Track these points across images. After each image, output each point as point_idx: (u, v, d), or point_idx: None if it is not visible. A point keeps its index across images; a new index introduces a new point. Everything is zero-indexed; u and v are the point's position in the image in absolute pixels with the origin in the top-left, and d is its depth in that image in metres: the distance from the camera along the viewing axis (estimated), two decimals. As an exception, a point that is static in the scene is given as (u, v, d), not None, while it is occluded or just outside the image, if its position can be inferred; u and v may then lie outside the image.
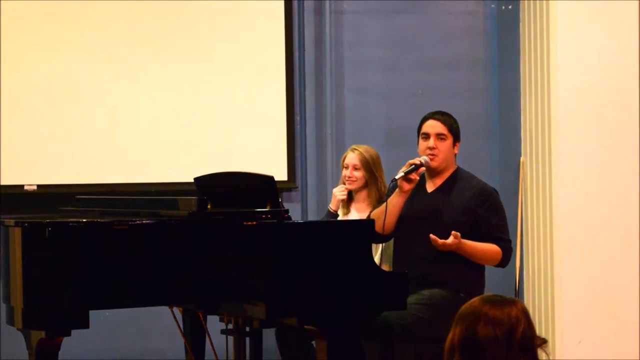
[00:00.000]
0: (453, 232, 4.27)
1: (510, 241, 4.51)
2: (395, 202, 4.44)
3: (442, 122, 4.52)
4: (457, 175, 4.55)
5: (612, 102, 5.60)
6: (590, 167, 5.58)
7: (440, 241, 4.27)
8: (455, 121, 4.57)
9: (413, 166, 4.39)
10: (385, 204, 4.44)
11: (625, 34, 5.61)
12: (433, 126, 4.51)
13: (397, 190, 4.45)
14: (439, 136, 4.50)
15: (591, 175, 5.57)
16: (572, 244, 5.55)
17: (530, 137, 5.85)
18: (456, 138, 4.54)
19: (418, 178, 4.43)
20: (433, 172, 4.54)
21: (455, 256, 4.35)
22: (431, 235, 4.29)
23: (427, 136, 4.51)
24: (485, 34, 6.12)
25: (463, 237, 4.34)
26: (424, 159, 4.44)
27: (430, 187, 4.56)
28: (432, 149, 4.47)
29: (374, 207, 4.75)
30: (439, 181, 4.54)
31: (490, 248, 4.42)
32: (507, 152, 6.05)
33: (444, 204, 4.47)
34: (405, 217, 4.47)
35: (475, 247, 4.37)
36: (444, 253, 4.33)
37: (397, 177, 4.39)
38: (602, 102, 5.60)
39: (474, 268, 4.45)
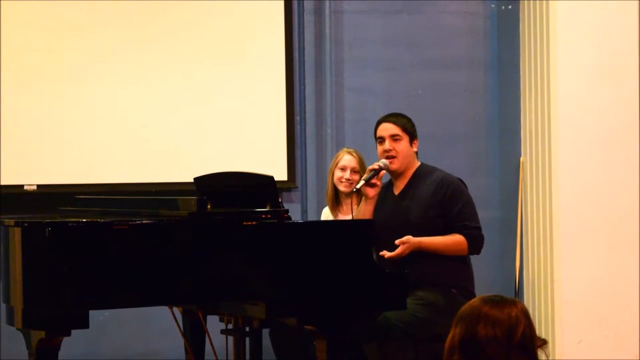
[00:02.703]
0: (397, 241, 4.29)
1: (477, 227, 4.47)
2: (363, 210, 4.49)
3: (394, 123, 4.54)
4: (419, 172, 4.56)
5: (612, 102, 5.60)
6: (590, 167, 5.57)
7: (387, 255, 4.29)
8: (408, 120, 4.59)
9: (372, 172, 4.44)
10: (357, 210, 4.49)
11: (625, 34, 5.61)
12: (386, 129, 4.55)
13: (363, 198, 4.50)
14: (393, 137, 4.52)
15: (591, 175, 5.57)
16: (572, 244, 5.55)
17: (530, 137, 5.84)
18: (412, 137, 4.56)
19: (380, 183, 4.47)
20: (396, 175, 4.57)
21: (429, 254, 4.36)
22: (381, 253, 4.30)
23: (382, 140, 4.55)
24: (485, 34, 6.12)
25: (435, 232, 4.37)
26: (382, 162, 4.48)
27: (396, 190, 4.59)
28: (389, 151, 4.50)
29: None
30: (403, 182, 4.57)
31: (451, 239, 4.41)
32: (507, 152, 6.05)
33: (410, 204, 4.49)
34: (378, 224, 4.48)
35: (434, 242, 4.38)
36: (417, 253, 4.34)
37: (358, 186, 4.46)
38: (602, 102, 5.59)
39: (458, 262, 4.45)
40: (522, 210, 5.91)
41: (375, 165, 4.46)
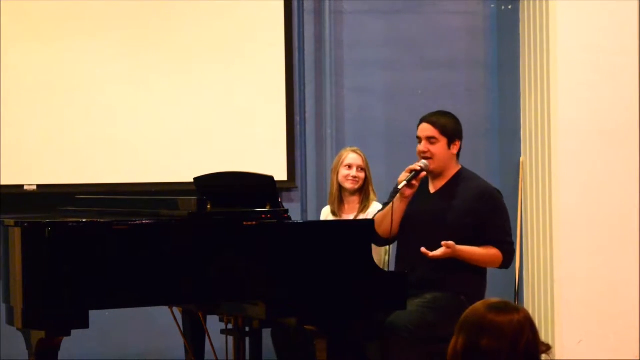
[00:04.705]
0: (443, 242, 4.24)
1: (512, 243, 4.47)
2: (397, 207, 4.44)
3: (433, 124, 4.46)
4: (460, 176, 4.52)
5: (612, 102, 5.60)
6: (590, 167, 5.57)
7: (431, 254, 4.25)
8: (450, 121, 4.50)
9: (414, 172, 4.37)
10: (390, 206, 4.43)
11: (625, 34, 5.61)
12: (423, 130, 4.48)
13: (398, 195, 4.43)
14: (430, 140, 4.45)
15: (591, 175, 5.57)
16: (572, 244, 5.55)
17: (530, 137, 5.85)
18: (452, 139, 4.48)
19: (418, 183, 4.41)
20: (434, 174, 4.52)
21: (455, 260, 4.33)
22: (422, 249, 4.26)
23: (420, 140, 4.50)
24: (485, 34, 6.12)
25: (465, 239, 4.33)
26: (423, 163, 4.41)
27: (432, 188, 4.54)
28: (424, 152, 4.46)
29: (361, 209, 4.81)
30: (441, 182, 4.52)
31: (488, 252, 4.38)
32: (507, 152, 6.05)
33: (446, 205, 4.44)
34: (407, 219, 4.46)
35: (472, 253, 4.35)
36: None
37: (400, 186, 4.37)
38: (602, 102, 5.59)
39: (475, 272, 4.42)
40: (522, 210, 5.91)
41: (416, 167, 4.38)
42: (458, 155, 4.55)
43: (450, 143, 4.48)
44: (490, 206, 4.42)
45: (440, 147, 4.46)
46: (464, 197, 4.44)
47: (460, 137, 4.52)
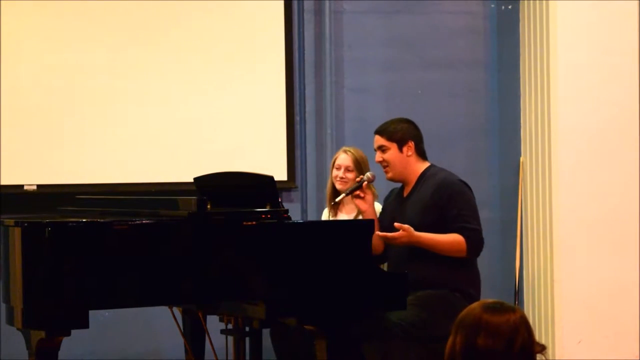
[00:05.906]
0: (397, 224, 4.28)
1: (475, 229, 4.42)
2: None
3: (380, 134, 4.57)
4: (425, 176, 4.56)
5: (612, 102, 5.60)
6: (590, 167, 5.57)
7: (382, 234, 4.32)
8: (397, 125, 4.56)
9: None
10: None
11: (625, 34, 5.61)
12: (375, 142, 4.60)
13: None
14: (381, 149, 4.56)
15: (591, 175, 5.57)
16: (572, 244, 5.55)
17: (530, 137, 5.85)
18: (402, 142, 4.54)
19: (368, 195, 4.53)
20: (404, 180, 4.59)
21: (443, 257, 4.35)
22: (377, 233, 4.32)
23: (376, 152, 4.61)
24: (485, 34, 6.12)
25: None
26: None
27: (405, 192, 4.61)
28: (380, 162, 4.56)
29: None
30: (410, 186, 4.59)
31: (450, 239, 4.37)
32: (507, 152, 6.05)
33: (410, 206, 4.50)
34: (387, 227, 4.49)
35: (432, 239, 4.36)
36: (422, 254, 4.33)
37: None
38: (602, 102, 5.59)
39: (465, 267, 4.44)
40: (522, 211, 5.91)
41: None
42: (422, 155, 4.60)
43: (401, 146, 4.55)
44: (446, 196, 4.43)
45: (392, 154, 4.55)
46: (424, 195, 4.49)
47: (413, 138, 4.57)
